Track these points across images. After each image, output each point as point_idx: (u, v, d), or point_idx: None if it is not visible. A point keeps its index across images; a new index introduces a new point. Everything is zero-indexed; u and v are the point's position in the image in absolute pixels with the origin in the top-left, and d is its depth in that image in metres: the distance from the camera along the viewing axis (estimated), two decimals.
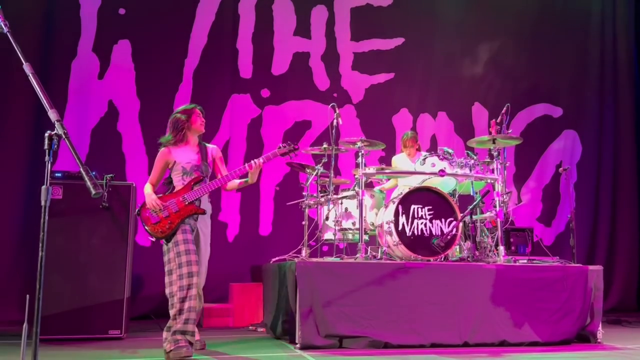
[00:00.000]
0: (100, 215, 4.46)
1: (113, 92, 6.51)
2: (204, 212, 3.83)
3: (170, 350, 3.50)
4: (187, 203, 3.75)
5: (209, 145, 4.09)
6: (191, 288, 3.60)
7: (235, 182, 4.03)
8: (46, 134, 2.15)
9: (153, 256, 6.35)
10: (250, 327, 5.41)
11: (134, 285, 5.13)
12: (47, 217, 2.12)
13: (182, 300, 3.58)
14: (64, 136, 2.17)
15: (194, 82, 6.73)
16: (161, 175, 3.94)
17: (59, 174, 4.47)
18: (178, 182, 3.86)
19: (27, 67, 2.24)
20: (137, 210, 3.79)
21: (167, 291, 3.67)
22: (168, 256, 3.69)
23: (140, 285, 6.00)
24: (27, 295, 2.22)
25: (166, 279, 3.67)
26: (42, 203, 2.07)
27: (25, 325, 2.17)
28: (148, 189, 3.84)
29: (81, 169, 2.14)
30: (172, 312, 3.63)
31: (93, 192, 2.11)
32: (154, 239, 3.74)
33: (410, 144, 5.75)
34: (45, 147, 2.15)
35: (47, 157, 2.15)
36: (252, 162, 3.88)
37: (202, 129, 4.02)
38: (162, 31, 6.67)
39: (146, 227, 3.71)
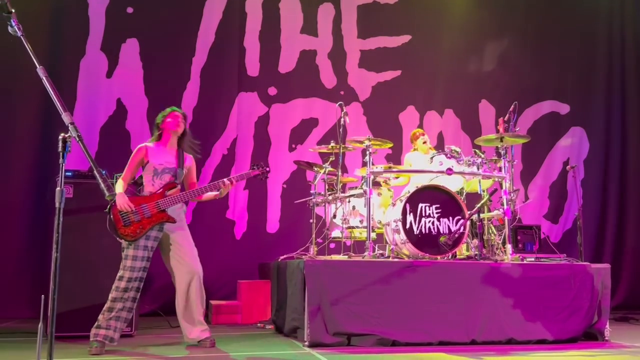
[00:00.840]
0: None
1: (121, 91, 6.54)
2: (174, 221, 3.85)
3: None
4: (160, 210, 3.79)
5: (187, 155, 4.14)
6: (117, 290, 3.79)
7: (211, 194, 4.08)
8: (60, 136, 2.18)
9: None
10: (258, 325, 5.44)
11: (144, 282, 5.15)
12: (61, 219, 2.14)
13: (114, 298, 3.82)
14: (77, 139, 2.20)
15: (202, 80, 6.76)
16: (134, 173, 3.95)
17: (69, 173, 4.50)
18: (147, 183, 3.89)
19: (40, 71, 2.27)
20: (107, 208, 3.73)
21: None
22: (124, 263, 3.81)
23: (149, 282, 6.03)
24: (42, 296, 2.25)
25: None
26: (57, 205, 2.10)
27: (40, 324, 2.21)
28: (120, 187, 3.83)
29: (95, 172, 2.17)
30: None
31: (107, 194, 2.15)
32: (122, 241, 3.77)
33: (415, 137, 5.75)
34: (59, 149, 2.18)
35: (61, 160, 2.19)
36: (224, 180, 4.01)
37: (177, 128, 4.02)
38: (170, 30, 6.70)
39: (114, 227, 3.71)
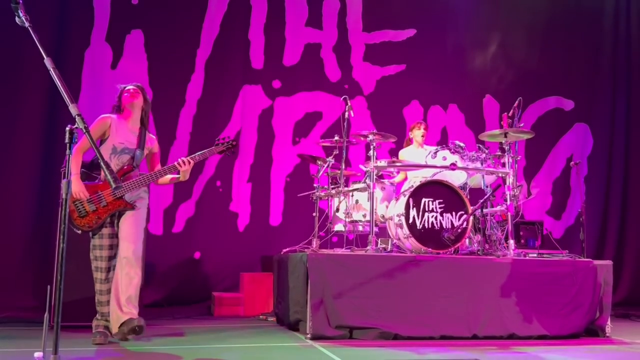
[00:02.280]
0: None
1: (126, 82, 6.40)
2: (133, 208, 3.66)
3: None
4: (115, 197, 3.60)
5: (150, 135, 3.87)
6: (95, 282, 3.72)
7: (167, 178, 3.84)
8: (67, 128, 2.19)
9: (165, 245, 6.45)
10: (260, 317, 5.47)
11: (147, 274, 5.19)
12: (67, 210, 2.16)
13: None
14: (84, 130, 2.22)
15: (206, 73, 6.75)
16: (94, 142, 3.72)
17: None
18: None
19: (48, 62, 2.28)
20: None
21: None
22: (93, 254, 3.70)
23: (153, 273, 6.07)
24: (48, 286, 2.28)
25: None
26: (63, 196, 2.12)
27: (46, 315, 2.23)
28: (74, 167, 3.54)
29: (102, 163, 2.19)
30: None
31: (113, 185, 2.16)
32: (79, 232, 3.60)
33: (417, 126, 5.75)
34: (66, 140, 2.20)
35: (67, 151, 2.21)
36: (182, 159, 3.72)
37: (133, 100, 3.80)
38: (175, 21, 6.68)
39: (70, 220, 3.49)
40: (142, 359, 3.29)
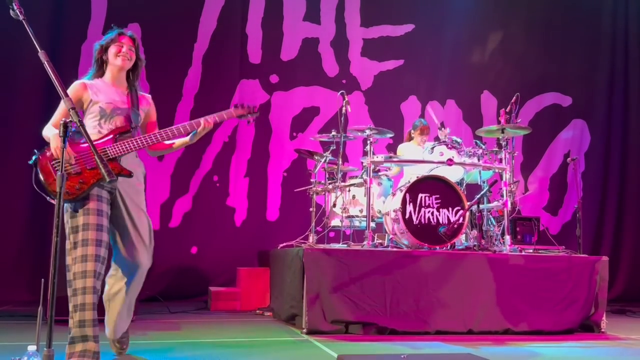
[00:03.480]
0: None
1: None
2: (130, 175, 2.79)
3: None
4: (108, 159, 2.74)
5: (143, 93, 3.11)
6: (86, 277, 2.62)
7: (179, 141, 3.07)
8: (61, 122, 2.18)
9: (162, 239, 6.43)
10: (257, 311, 5.48)
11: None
12: (62, 203, 2.15)
13: (74, 294, 2.63)
14: (78, 123, 2.21)
15: (203, 67, 6.74)
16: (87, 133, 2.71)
17: None
18: (93, 130, 2.83)
19: (42, 55, 2.27)
20: (33, 158, 2.72)
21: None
22: (68, 228, 2.71)
23: (149, 268, 6.06)
24: (42, 280, 2.27)
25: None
26: (57, 190, 2.11)
27: (40, 308, 2.23)
28: (51, 129, 2.78)
29: (95, 156, 2.18)
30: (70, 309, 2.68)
31: (107, 179, 2.15)
32: (50, 200, 2.68)
33: (426, 131, 5.73)
34: (61, 134, 2.19)
35: (62, 145, 2.19)
36: (204, 118, 2.99)
37: (124, 63, 2.94)
38: (172, 15, 6.66)
39: (44, 183, 2.65)
40: (139, 354, 3.29)
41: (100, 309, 2.73)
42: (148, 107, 3.08)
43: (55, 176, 2.61)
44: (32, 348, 2.12)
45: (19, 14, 2.31)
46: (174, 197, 6.50)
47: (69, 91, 2.83)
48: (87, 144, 2.62)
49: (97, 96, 2.88)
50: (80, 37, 6.39)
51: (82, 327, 2.61)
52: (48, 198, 2.73)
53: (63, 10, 6.34)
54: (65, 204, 2.71)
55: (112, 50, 2.93)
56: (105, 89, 2.92)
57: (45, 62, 2.25)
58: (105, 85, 2.94)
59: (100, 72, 2.98)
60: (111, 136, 2.81)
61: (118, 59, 2.92)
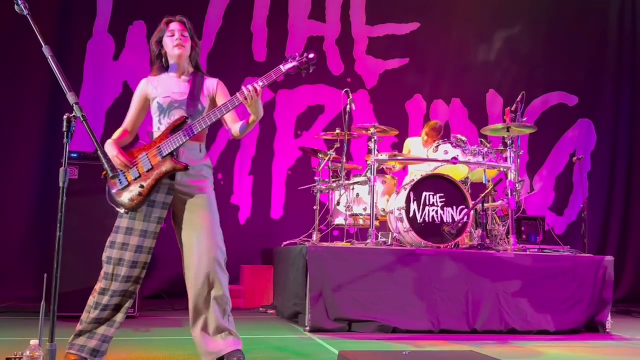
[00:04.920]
0: None
1: (128, 73, 6.53)
2: (185, 168, 2.64)
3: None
4: (162, 157, 2.62)
5: (209, 78, 2.90)
6: (104, 287, 2.66)
7: (237, 126, 2.81)
8: (65, 116, 2.18)
9: (166, 235, 6.43)
10: (260, 309, 5.48)
11: (148, 266, 5.19)
12: (65, 199, 2.15)
13: (92, 294, 2.72)
14: (82, 119, 2.20)
15: (208, 65, 6.73)
16: (138, 117, 2.85)
17: (75, 154, 4.52)
18: (155, 128, 2.77)
19: (46, 50, 2.27)
20: (103, 175, 2.64)
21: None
22: (112, 238, 2.70)
23: (153, 264, 6.06)
24: (45, 274, 2.27)
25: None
26: (60, 184, 2.11)
27: (42, 302, 2.23)
28: (112, 137, 2.74)
29: (99, 152, 2.17)
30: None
31: (111, 174, 2.15)
32: (122, 211, 2.66)
33: (435, 133, 5.71)
34: (64, 129, 2.18)
35: (65, 139, 2.19)
36: (245, 88, 2.67)
37: (181, 50, 2.78)
38: (177, 13, 6.61)
39: (112, 196, 2.65)
40: (140, 349, 3.30)
41: None
42: (212, 92, 2.84)
43: (117, 186, 2.63)
44: (34, 342, 2.12)
45: (23, 8, 2.31)
46: None
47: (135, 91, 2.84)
48: (145, 146, 2.68)
49: (156, 90, 2.78)
50: (86, 34, 6.41)
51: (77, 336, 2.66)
52: (117, 209, 2.68)
53: (69, 7, 6.35)
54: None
55: (166, 41, 2.81)
56: (166, 82, 2.80)
57: (49, 57, 2.25)
58: (168, 77, 2.82)
59: (163, 67, 2.85)
60: (165, 132, 2.68)
61: (174, 48, 2.77)
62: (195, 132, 2.65)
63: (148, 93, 2.80)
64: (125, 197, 2.62)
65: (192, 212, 2.73)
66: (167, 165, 2.61)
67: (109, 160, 2.18)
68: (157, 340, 3.67)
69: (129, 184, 2.62)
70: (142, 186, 2.61)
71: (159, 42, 2.84)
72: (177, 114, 2.72)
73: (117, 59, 6.50)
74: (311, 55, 2.79)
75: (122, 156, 2.61)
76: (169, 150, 2.63)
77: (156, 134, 2.73)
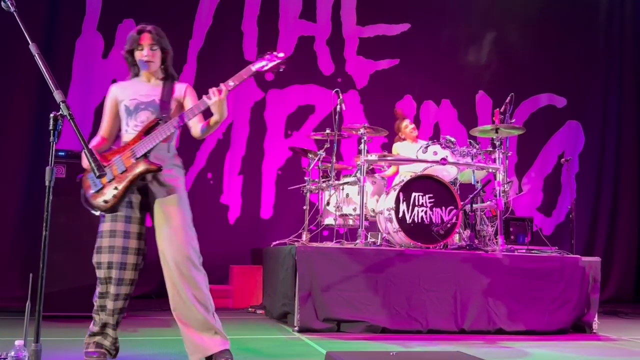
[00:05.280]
0: None
1: (117, 72, 6.46)
2: (159, 169, 2.70)
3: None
4: (136, 158, 2.68)
5: (179, 83, 2.96)
6: (108, 283, 2.74)
7: (199, 127, 2.86)
8: (51, 115, 2.16)
9: (154, 237, 6.39)
10: (249, 309, 5.47)
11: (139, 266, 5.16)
12: (51, 198, 2.13)
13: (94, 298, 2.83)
14: (69, 117, 2.18)
15: (198, 64, 6.71)
16: (114, 123, 2.90)
17: (62, 153, 4.49)
18: (123, 131, 2.84)
19: (33, 48, 2.25)
20: (80, 176, 2.77)
21: None
22: (98, 243, 2.78)
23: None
24: (31, 274, 2.25)
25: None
26: (47, 183, 2.09)
27: (28, 302, 2.21)
28: (93, 142, 2.84)
29: (85, 151, 2.16)
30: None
31: (97, 173, 2.13)
32: (97, 213, 2.73)
33: (400, 119, 5.79)
34: (50, 127, 2.17)
35: (52, 138, 2.17)
36: (212, 89, 2.75)
37: (148, 67, 2.86)
38: (167, 11, 6.63)
39: (87, 198, 2.70)
40: (127, 349, 3.27)
41: None
42: (180, 96, 2.91)
43: (92, 189, 2.68)
44: (19, 343, 2.10)
45: (9, 5, 2.29)
46: None
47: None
48: (119, 149, 2.76)
49: (124, 94, 2.86)
50: (75, 32, 6.36)
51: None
52: (92, 212, 2.73)
53: (57, 5, 6.30)
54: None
55: (136, 54, 2.89)
56: (134, 86, 2.89)
57: (36, 55, 2.23)
58: (137, 81, 2.91)
59: (135, 73, 2.95)
60: (138, 134, 2.74)
61: (143, 64, 2.86)
62: (166, 134, 2.72)
63: (117, 97, 2.88)
64: (100, 199, 2.67)
65: (164, 212, 2.78)
66: (140, 167, 2.67)
67: (95, 160, 2.17)
68: (145, 340, 3.64)
69: (103, 187, 2.67)
70: (116, 188, 2.66)
71: (130, 52, 2.91)
72: (143, 116, 2.79)
73: (106, 57, 6.46)
74: (281, 54, 2.87)
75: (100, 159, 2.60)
76: (143, 152, 2.69)
77: (125, 136, 2.82)
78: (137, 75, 2.93)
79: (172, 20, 6.64)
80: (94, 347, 2.79)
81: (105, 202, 2.66)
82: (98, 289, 2.79)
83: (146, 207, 2.82)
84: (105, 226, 2.75)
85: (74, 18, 6.34)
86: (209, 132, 2.89)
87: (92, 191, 2.69)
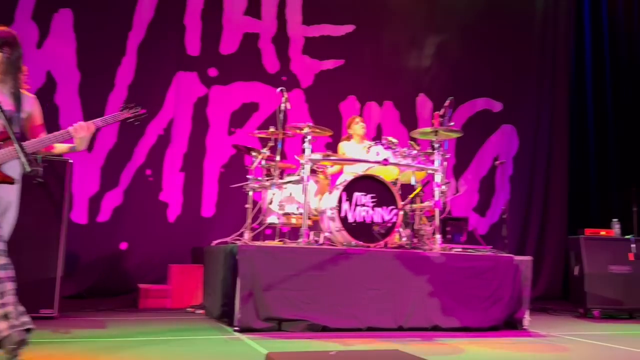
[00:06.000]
0: (35, 191, 4.27)
1: (52, 63, 6.22)
2: (12, 182, 2.71)
3: None
4: None
5: (27, 94, 3.01)
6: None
7: (64, 147, 3.04)
8: None
9: (88, 234, 6.19)
10: (188, 309, 5.37)
11: (68, 264, 4.95)
12: None
13: None
14: None
15: (138, 57, 6.52)
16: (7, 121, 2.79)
17: None
18: None
19: None
20: None
21: None
22: None
23: (75, 263, 5.82)
24: None
25: None
26: None
27: None
28: None
29: (16, 145, 2.06)
30: None
31: (28, 169, 2.04)
32: None
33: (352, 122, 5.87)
34: None
35: None
36: (78, 124, 2.93)
37: None
38: (106, 2, 6.41)
39: None
40: (59, 351, 3.14)
41: None
42: (30, 109, 2.96)
43: None
44: None
45: None
46: (104, 190, 6.25)
47: None
48: None
49: None
50: (7, 20, 6.01)
51: None
52: None
53: None
54: None
55: None
56: None
57: None
58: None
59: None
60: None
61: None
62: (29, 152, 2.62)
63: None
64: None
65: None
66: None
67: (26, 155, 2.07)
68: (78, 342, 3.51)
69: None
70: None
71: None
72: None
73: (40, 47, 6.17)
74: (144, 111, 3.18)
75: None
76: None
77: None
78: None
79: (112, 11, 6.44)
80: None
81: None
82: None
83: None
84: None
85: (6, 5, 6.02)
86: (59, 152, 3.07)
87: None
